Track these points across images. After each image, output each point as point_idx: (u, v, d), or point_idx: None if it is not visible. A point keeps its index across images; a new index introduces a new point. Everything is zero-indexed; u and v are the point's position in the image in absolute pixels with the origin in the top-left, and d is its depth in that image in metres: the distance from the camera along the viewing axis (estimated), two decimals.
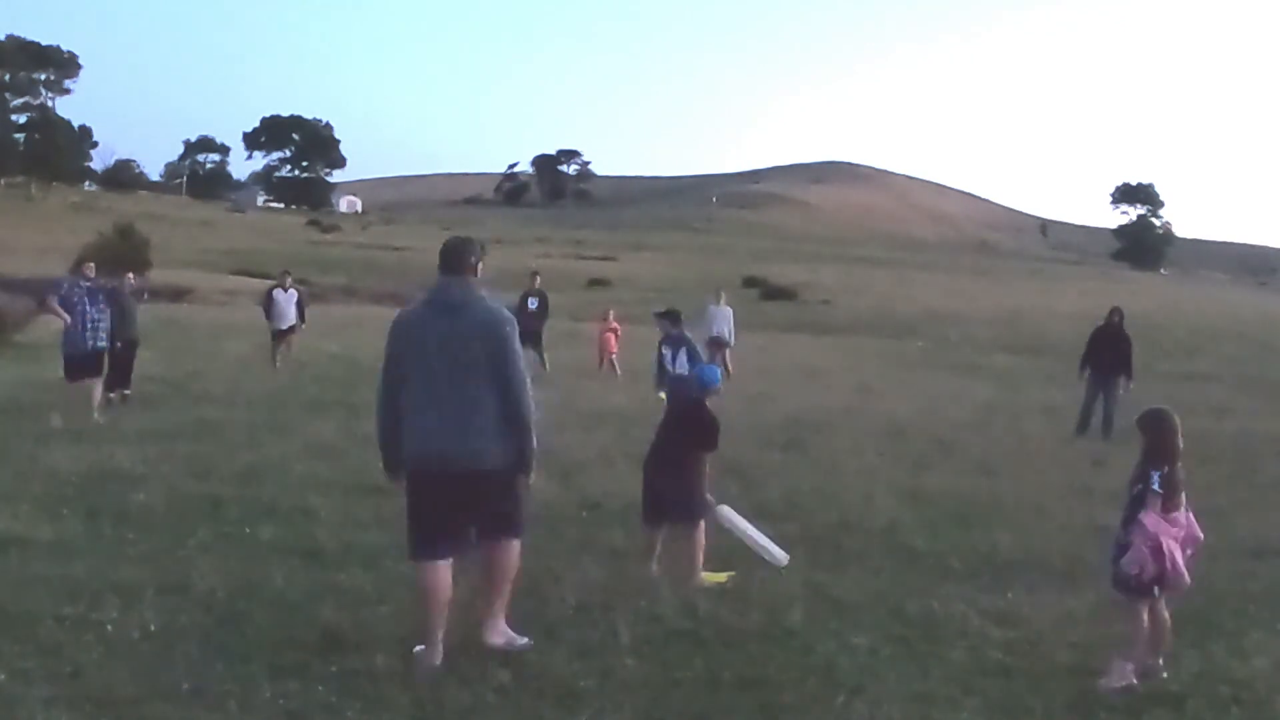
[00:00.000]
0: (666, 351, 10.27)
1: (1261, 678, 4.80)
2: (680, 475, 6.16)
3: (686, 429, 6.28)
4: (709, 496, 6.38)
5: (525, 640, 4.75)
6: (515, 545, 4.75)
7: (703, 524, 6.19)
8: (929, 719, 4.27)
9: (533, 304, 18.07)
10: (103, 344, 10.99)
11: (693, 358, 9.76)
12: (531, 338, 17.88)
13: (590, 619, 5.11)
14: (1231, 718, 4.44)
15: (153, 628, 4.73)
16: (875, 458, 10.75)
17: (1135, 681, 4.63)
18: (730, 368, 18.17)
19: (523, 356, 4.70)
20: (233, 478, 8.11)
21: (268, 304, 16.94)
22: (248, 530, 6.62)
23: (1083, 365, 14.03)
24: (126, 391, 12.66)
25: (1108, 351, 13.83)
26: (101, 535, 6.41)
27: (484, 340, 4.52)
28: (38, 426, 10.21)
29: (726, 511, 6.51)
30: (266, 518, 6.92)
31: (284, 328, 16.67)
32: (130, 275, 14.18)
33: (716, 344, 18.56)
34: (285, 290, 16.89)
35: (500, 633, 4.74)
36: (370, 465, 8.81)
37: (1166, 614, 4.83)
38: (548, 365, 17.44)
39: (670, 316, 10.35)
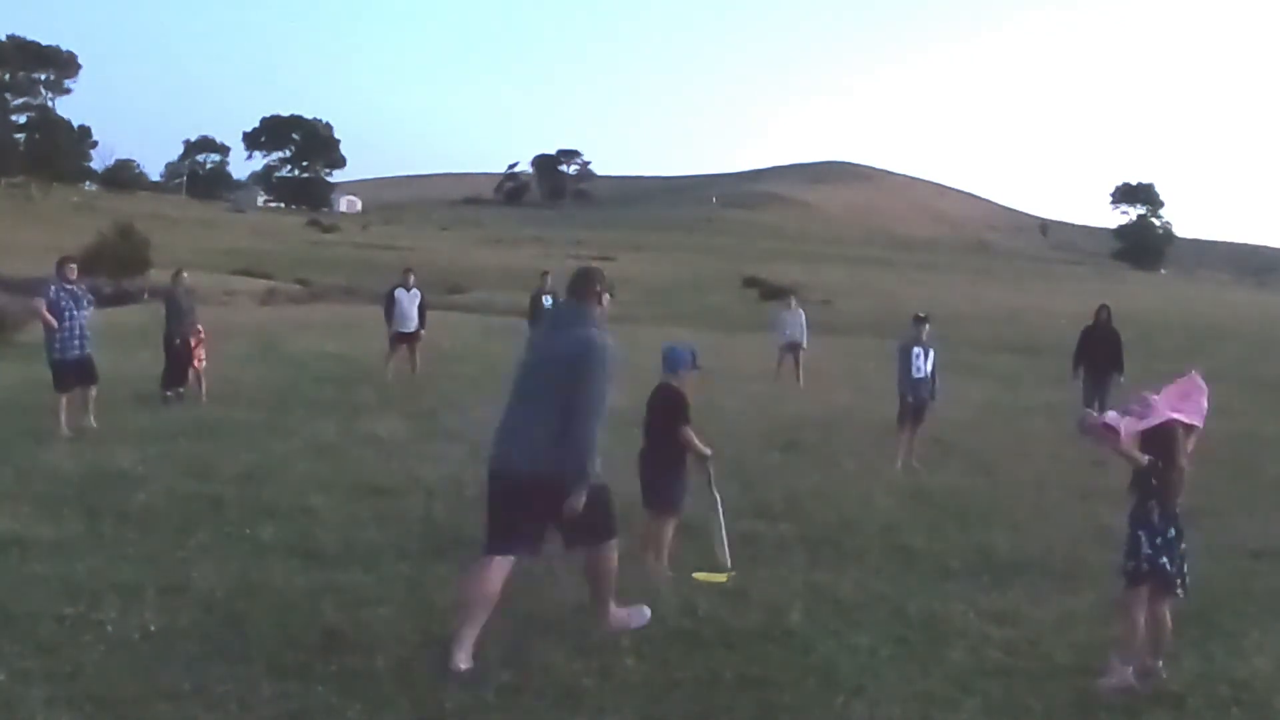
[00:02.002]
0: (918, 351, 10.93)
1: (1261, 678, 4.81)
2: (659, 461, 6.31)
3: (656, 411, 6.42)
4: (712, 489, 6.44)
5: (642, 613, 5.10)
6: (607, 548, 4.97)
7: (673, 516, 6.31)
8: (929, 719, 4.27)
9: (548, 302, 18.00)
10: (89, 350, 10.62)
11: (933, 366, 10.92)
12: None
13: (590, 619, 5.10)
14: (1231, 718, 4.44)
15: (153, 628, 4.73)
16: (875, 458, 10.75)
17: (1134, 682, 4.63)
18: (802, 371, 18.31)
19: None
20: (233, 478, 8.10)
21: (389, 304, 15.37)
22: (248, 530, 6.62)
23: (1075, 365, 14.07)
24: (181, 389, 12.81)
25: (1099, 350, 13.86)
26: (101, 535, 6.40)
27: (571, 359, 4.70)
28: (38, 426, 10.20)
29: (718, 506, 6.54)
30: (266, 518, 6.91)
31: (406, 331, 15.18)
32: (184, 273, 14.14)
33: (791, 347, 18.75)
34: (409, 290, 15.36)
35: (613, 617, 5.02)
36: (370, 465, 8.87)
37: (1168, 616, 4.83)
38: None
39: (922, 322, 11.17)
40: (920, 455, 10.82)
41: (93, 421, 10.43)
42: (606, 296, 5.01)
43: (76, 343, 10.50)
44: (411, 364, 15.19)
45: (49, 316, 10.36)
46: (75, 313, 10.51)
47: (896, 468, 10.37)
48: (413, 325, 15.20)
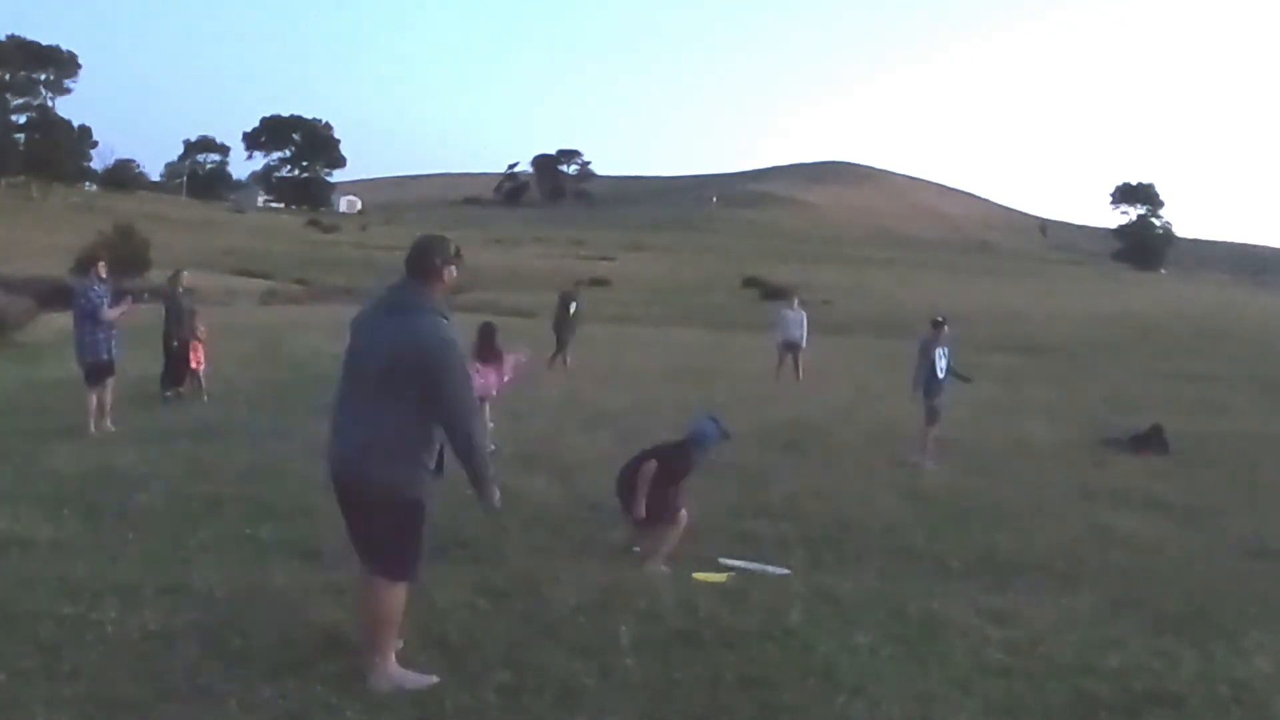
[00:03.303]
0: (941, 351, 11.36)
1: (1261, 678, 4.80)
2: (654, 494, 6.41)
3: (668, 466, 6.49)
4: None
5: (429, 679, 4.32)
6: (380, 585, 4.29)
7: (678, 521, 6.40)
8: (929, 719, 4.27)
9: (573, 308, 18.29)
10: (116, 350, 10.57)
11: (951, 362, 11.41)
12: (566, 340, 18.14)
13: (590, 619, 5.10)
14: (1231, 718, 4.43)
15: (153, 628, 4.72)
16: (875, 458, 10.75)
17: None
18: (801, 370, 18.42)
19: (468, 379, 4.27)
20: (233, 478, 8.10)
21: None
22: (248, 530, 6.61)
23: None
24: (181, 390, 12.81)
25: None
26: (101, 535, 6.40)
27: (415, 352, 4.11)
28: (38, 426, 10.20)
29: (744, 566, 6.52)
30: (266, 518, 6.91)
31: None
32: (184, 274, 14.09)
33: (790, 347, 18.82)
34: None
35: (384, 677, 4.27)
36: None
37: None
38: (569, 363, 17.81)
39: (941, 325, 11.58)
40: (920, 457, 10.86)
41: (110, 425, 10.34)
42: (450, 271, 4.30)
43: (110, 343, 10.46)
44: None
45: (97, 314, 10.27)
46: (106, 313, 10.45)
47: (931, 468, 10.46)
48: None
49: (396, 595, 4.29)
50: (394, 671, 4.30)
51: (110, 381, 10.52)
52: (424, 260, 4.27)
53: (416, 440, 4.17)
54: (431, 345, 4.11)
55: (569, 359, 18.03)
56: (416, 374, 4.07)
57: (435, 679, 4.30)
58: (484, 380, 8.82)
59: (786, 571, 6.33)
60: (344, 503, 4.31)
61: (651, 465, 6.39)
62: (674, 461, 6.52)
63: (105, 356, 10.38)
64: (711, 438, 6.60)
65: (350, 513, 4.30)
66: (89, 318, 10.27)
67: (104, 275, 10.73)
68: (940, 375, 11.25)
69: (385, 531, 4.23)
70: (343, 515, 4.37)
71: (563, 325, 18.28)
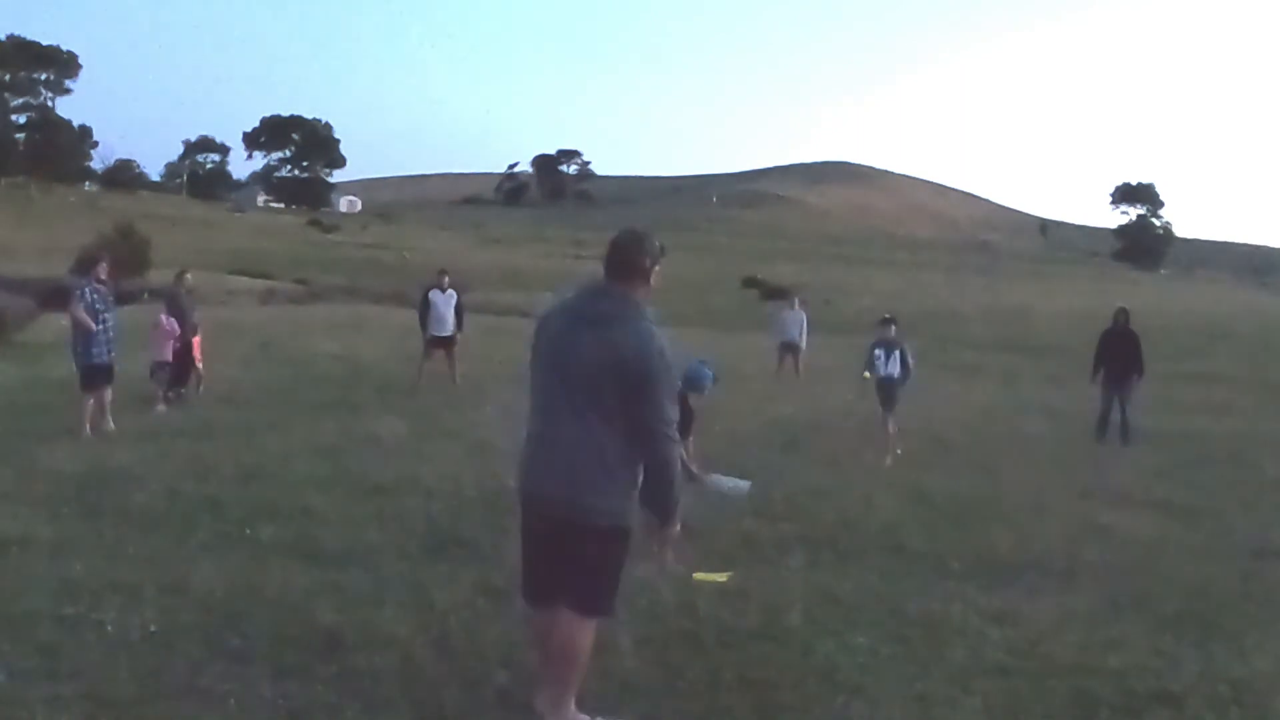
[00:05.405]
0: (879, 353, 11.77)
1: (1261, 678, 4.80)
2: None
3: None
4: (696, 473, 6.55)
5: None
6: (583, 624, 3.88)
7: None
8: (929, 719, 4.27)
9: None
10: (114, 353, 10.41)
11: (904, 363, 11.59)
12: None
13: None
14: (1231, 718, 4.43)
15: (153, 628, 4.72)
16: (875, 458, 10.76)
17: None
18: (800, 371, 18.40)
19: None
20: (233, 478, 8.09)
21: (423, 307, 14.78)
22: (248, 530, 6.61)
23: (1095, 368, 13.90)
24: (182, 390, 12.81)
25: (1119, 353, 13.72)
26: (101, 535, 6.40)
27: (628, 365, 3.69)
28: (38, 426, 10.19)
29: (713, 480, 6.57)
30: (266, 518, 6.90)
31: (442, 335, 14.62)
32: (187, 274, 14.03)
33: (788, 348, 18.74)
34: (444, 291, 14.75)
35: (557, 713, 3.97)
36: (370, 465, 8.86)
37: None
38: None
39: (887, 323, 12.08)
40: (898, 449, 11.08)
41: (111, 424, 10.30)
42: (656, 271, 3.96)
43: (109, 346, 10.27)
44: (450, 371, 14.58)
45: (86, 319, 10.08)
46: (107, 315, 10.28)
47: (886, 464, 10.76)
48: (449, 329, 14.63)
49: (590, 631, 3.91)
50: (573, 713, 3.96)
51: (104, 389, 10.43)
52: (630, 261, 3.81)
53: (628, 462, 3.76)
54: (644, 357, 3.67)
55: None
56: (624, 388, 3.65)
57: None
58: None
59: (747, 484, 6.32)
60: (542, 531, 3.88)
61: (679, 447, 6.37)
62: (681, 419, 6.53)
63: (105, 359, 10.30)
64: (704, 378, 6.65)
65: (549, 541, 3.86)
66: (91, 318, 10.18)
67: (104, 277, 10.58)
68: (879, 371, 11.70)
69: (590, 562, 3.81)
70: (531, 544, 3.96)
71: None
